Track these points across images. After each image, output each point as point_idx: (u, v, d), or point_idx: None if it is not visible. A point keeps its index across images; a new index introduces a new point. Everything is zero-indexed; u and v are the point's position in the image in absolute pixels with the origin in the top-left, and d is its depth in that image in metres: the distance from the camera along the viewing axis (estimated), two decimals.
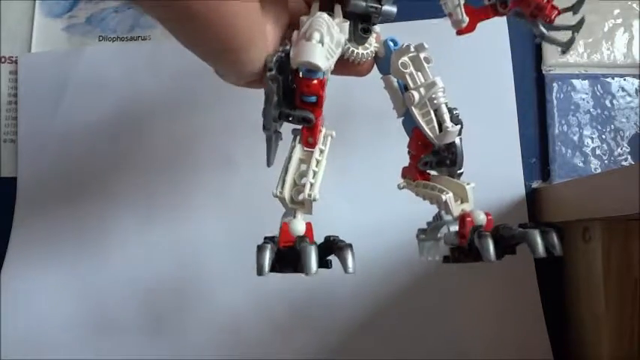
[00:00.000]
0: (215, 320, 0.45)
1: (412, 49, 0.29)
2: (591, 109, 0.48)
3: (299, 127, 0.29)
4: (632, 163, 0.47)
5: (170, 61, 0.48)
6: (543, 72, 0.48)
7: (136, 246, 0.46)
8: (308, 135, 0.29)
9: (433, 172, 0.32)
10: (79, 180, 0.48)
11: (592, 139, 0.47)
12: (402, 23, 0.41)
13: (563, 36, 0.31)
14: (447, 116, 0.29)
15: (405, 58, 0.29)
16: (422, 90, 0.29)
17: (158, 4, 0.22)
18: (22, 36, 0.50)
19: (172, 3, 0.22)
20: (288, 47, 0.27)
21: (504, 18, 0.46)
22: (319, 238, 0.27)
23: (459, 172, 0.31)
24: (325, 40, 0.26)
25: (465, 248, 0.28)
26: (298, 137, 0.29)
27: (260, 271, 0.24)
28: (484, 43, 0.46)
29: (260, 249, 0.25)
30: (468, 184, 0.30)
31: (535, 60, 0.48)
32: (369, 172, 0.46)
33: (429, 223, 0.34)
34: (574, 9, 0.31)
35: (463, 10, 0.30)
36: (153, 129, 0.48)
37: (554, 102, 0.47)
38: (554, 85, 0.48)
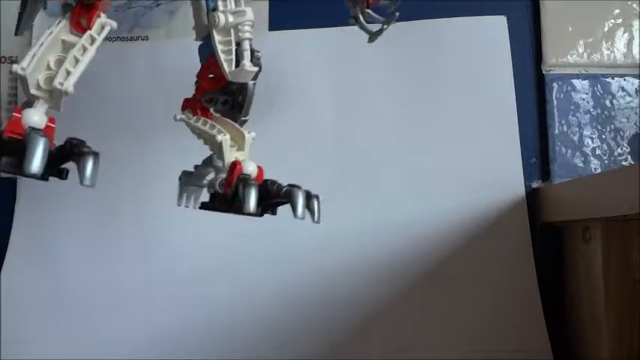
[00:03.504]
0: (209, 320, 0.45)
1: None
2: (591, 109, 0.48)
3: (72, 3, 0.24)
4: (632, 163, 0.47)
5: (169, 60, 0.48)
6: (543, 72, 0.48)
7: (134, 243, 0.46)
8: (81, 15, 0.24)
9: (217, 116, 0.30)
10: (79, 180, 0.47)
11: (592, 139, 0.47)
12: (402, 23, 0.41)
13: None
14: (247, 53, 0.26)
15: None
16: (230, 16, 0.26)
17: None
18: (22, 36, 0.50)
19: None
20: None
21: (504, 18, 0.47)
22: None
23: (243, 118, 0.29)
24: None
25: (227, 197, 0.27)
26: (68, 14, 0.25)
27: None
28: (484, 43, 0.47)
29: None
30: (249, 132, 0.28)
31: (535, 60, 0.48)
32: (370, 173, 0.46)
33: (196, 167, 0.31)
34: (370, 38, 0.30)
35: None
36: (152, 129, 0.48)
37: (554, 102, 0.47)
38: (554, 85, 0.48)
